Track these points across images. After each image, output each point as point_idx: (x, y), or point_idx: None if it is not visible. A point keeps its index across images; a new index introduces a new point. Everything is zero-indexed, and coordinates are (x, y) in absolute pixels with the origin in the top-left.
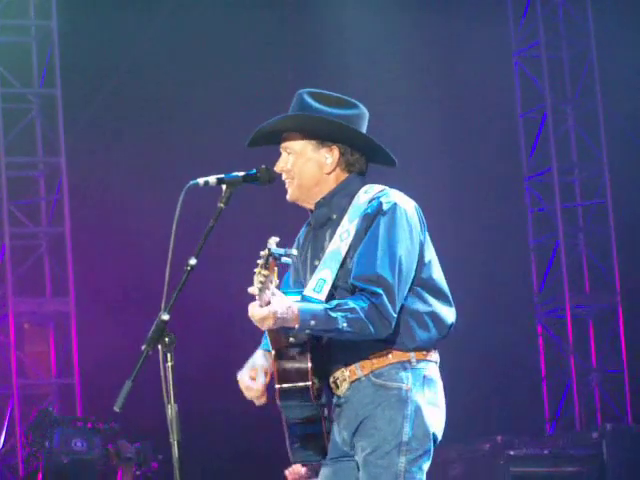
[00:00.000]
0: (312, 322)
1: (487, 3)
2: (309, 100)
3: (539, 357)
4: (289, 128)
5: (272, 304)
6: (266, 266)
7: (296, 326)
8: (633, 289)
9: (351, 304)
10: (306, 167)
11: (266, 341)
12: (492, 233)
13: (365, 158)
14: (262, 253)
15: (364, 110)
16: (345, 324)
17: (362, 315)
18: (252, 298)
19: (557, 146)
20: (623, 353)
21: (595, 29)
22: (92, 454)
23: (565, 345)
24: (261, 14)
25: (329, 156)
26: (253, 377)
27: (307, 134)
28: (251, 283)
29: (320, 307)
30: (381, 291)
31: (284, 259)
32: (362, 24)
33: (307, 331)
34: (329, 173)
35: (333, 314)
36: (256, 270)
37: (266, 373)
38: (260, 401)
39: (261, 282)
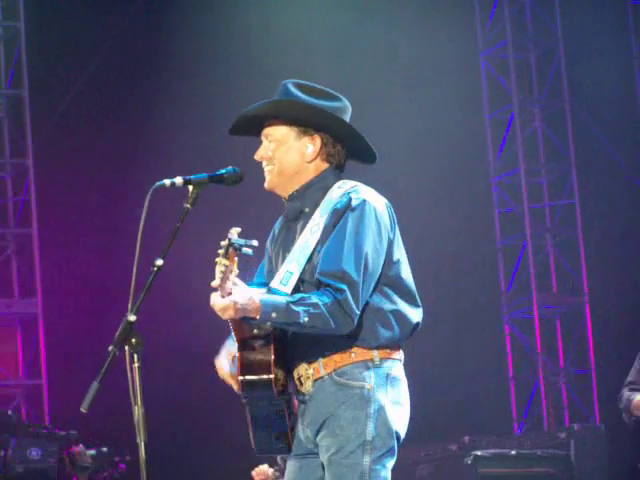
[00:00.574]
0: (273, 314)
1: (454, 3)
2: (293, 90)
3: (507, 357)
4: (273, 114)
5: (233, 294)
6: (226, 256)
7: (257, 317)
8: (600, 289)
9: (314, 299)
10: (287, 155)
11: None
12: (459, 234)
13: (345, 151)
14: (222, 243)
15: (347, 104)
16: (306, 318)
17: (324, 310)
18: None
19: (524, 146)
20: (591, 353)
21: (563, 30)
22: (47, 463)
23: (533, 345)
24: (234, 13)
25: (311, 145)
26: (232, 360)
27: (289, 121)
28: (213, 273)
29: (282, 300)
30: (345, 287)
31: (245, 249)
32: (328, 25)
33: (268, 323)
34: (309, 162)
35: (295, 308)
36: (217, 260)
37: None
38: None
39: (222, 272)
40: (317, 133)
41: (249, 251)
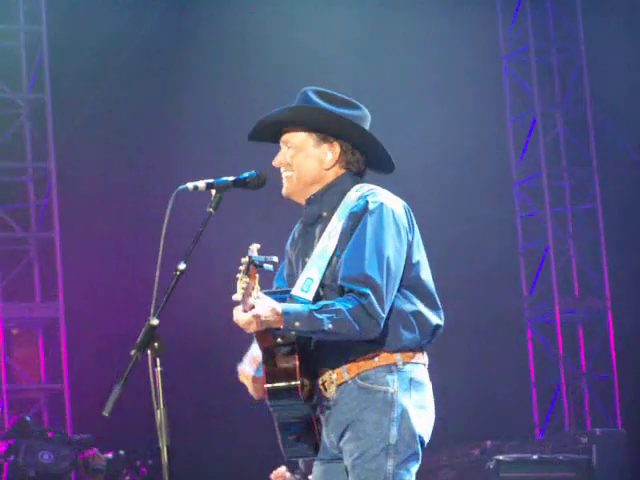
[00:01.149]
0: (296, 323)
1: (477, 8)
2: (313, 97)
3: (528, 362)
4: (292, 121)
5: (256, 308)
6: (247, 273)
7: (281, 327)
8: (622, 294)
9: (337, 305)
10: (306, 162)
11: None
12: (482, 238)
13: (364, 160)
14: (243, 260)
15: (367, 112)
16: (330, 325)
17: (349, 316)
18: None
19: (546, 151)
20: (612, 358)
21: (585, 34)
22: (59, 466)
23: (554, 350)
24: (251, 16)
25: (330, 152)
26: (256, 368)
27: (309, 127)
28: (233, 279)
29: (305, 308)
30: (369, 291)
31: (265, 266)
32: (350, 29)
33: (292, 332)
34: (328, 169)
35: (318, 316)
36: (238, 276)
37: None
38: (259, 395)
39: (243, 288)
40: (336, 140)
41: (270, 267)
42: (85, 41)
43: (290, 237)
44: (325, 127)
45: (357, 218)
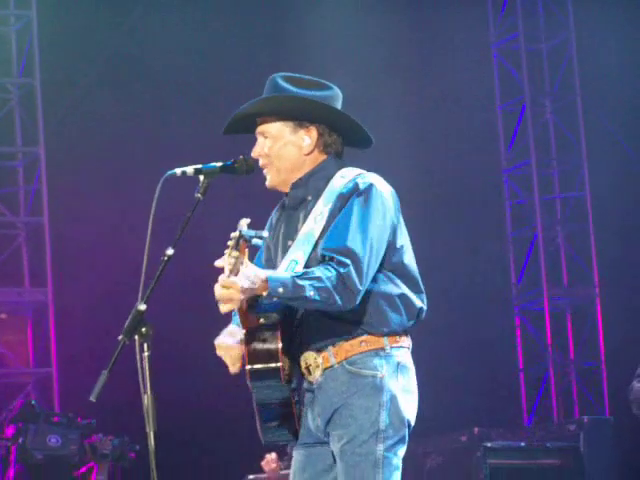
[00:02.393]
0: (280, 289)
1: None
2: (283, 83)
3: (517, 349)
4: (265, 111)
5: (238, 276)
6: (237, 247)
7: (264, 293)
8: (611, 282)
9: (317, 273)
10: (284, 150)
11: (235, 319)
12: (470, 225)
13: (342, 140)
14: (233, 235)
15: (338, 91)
16: (312, 292)
17: (328, 284)
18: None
19: (536, 138)
20: (601, 346)
21: (574, 22)
22: (67, 450)
23: (543, 337)
24: (244, 11)
25: (307, 137)
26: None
27: (284, 115)
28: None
29: (288, 275)
30: (349, 261)
31: (254, 240)
32: (339, 17)
33: (275, 299)
34: (308, 154)
35: (300, 282)
36: (226, 252)
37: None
38: (235, 367)
39: (230, 264)
40: (312, 125)
41: (259, 242)
42: (75, 26)
43: (268, 223)
44: (299, 113)
45: (345, 198)
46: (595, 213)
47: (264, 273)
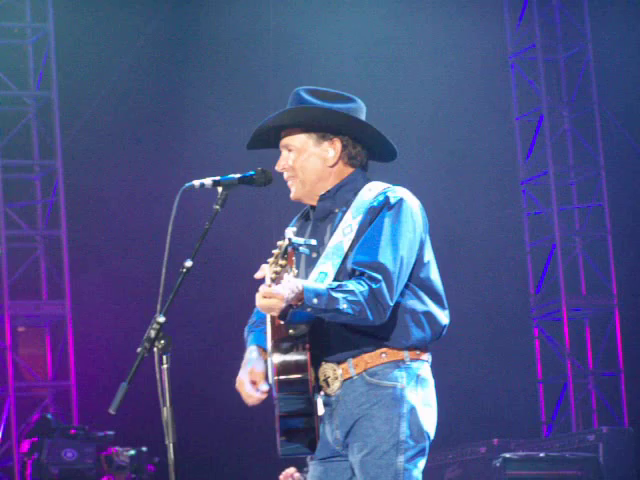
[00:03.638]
0: (315, 300)
1: (484, 6)
2: (306, 96)
3: (535, 359)
4: (289, 123)
5: (279, 285)
6: (284, 256)
7: (299, 303)
8: (629, 292)
9: (351, 286)
10: (308, 162)
11: (255, 336)
12: (489, 236)
13: (366, 152)
14: (280, 243)
15: (362, 104)
16: (345, 305)
17: (361, 298)
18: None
19: (553, 149)
20: (619, 355)
21: (592, 32)
22: (83, 464)
23: (561, 348)
24: (254, 18)
25: (331, 149)
26: (254, 382)
27: (308, 128)
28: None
29: (323, 286)
30: (380, 277)
31: (302, 249)
32: (356, 28)
33: (308, 309)
34: (332, 166)
35: (334, 294)
36: (270, 260)
37: (269, 386)
38: (253, 403)
39: (276, 272)
40: (336, 137)
41: (306, 250)
42: (92, 39)
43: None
44: (323, 125)
45: (376, 212)
46: (613, 223)
47: (301, 283)
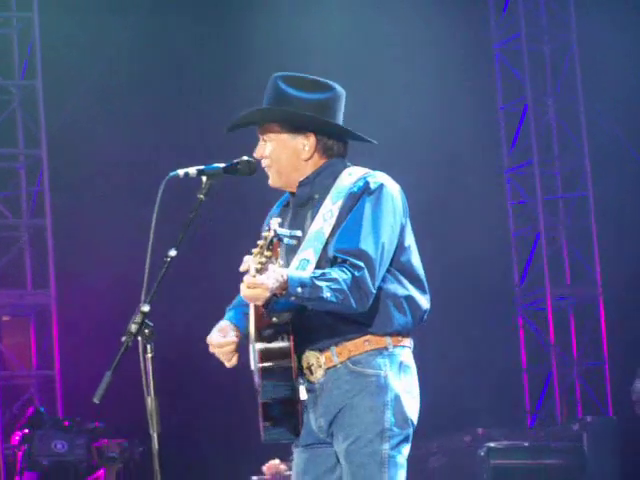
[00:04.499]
0: (299, 289)
1: None
2: (283, 86)
3: (520, 349)
4: (264, 120)
5: (264, 275)
6: (269, 247)
7: (283, 292)
8: (614, 281)
9: (334, 274)
10: (283, 154)
11: (231, 314)
12: (473, 225)
13: (343, 142)
14: (265, 234)
15: (340, 91)
16: (329, 293)
17: (344, 286)
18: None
19: (538, 139)
20: (604, 345)
21: (577, 22)
22: (73, 455)
23: (546, 337)
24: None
25: (306, 143)
26: (223, 336)
27: (282, 125)
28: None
29: (307, 275)
30: (362, 264)
31: (286, 240)
32: (339, 17)
33: (292, 298)
34: (307, 160)
35: (318, 282)
36: (255, 251)
37: (236, 334)
38: (231, 362)
39: (261, 263)
40: (311, 131)
41: (292, 242)
42: (77, 28)
43: (267, 218)
44: (296, 124)
45: (356, 197)
46: (597, 213)
47: (285, 272)
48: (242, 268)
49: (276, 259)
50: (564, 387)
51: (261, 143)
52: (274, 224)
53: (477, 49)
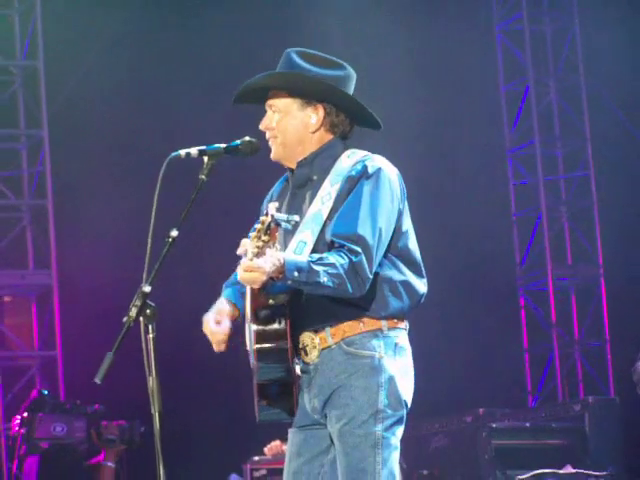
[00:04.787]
0: (295, 273)
1: None
2: (297, 59)
3: (521, 330)
4: (276, 86)
5: (261, 259)
6: (267, 232)
7: (280, 276)
8: (615, 261)
9: (331, 259)
10: (290, 125)
11: (229, 291)
12: (474, 206)
13: (349, 121)
14: (262, 219)
15: (352, 71)
16: (325, 278)
17: (341, 271)
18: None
19: (539, 119)
20: (605, 325)
21: (578, 2)
22: (73, 438)
23: (547, 317)
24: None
25: (314, 115)
26: (219, 321)
27: (293, 92)
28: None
29: (304, 259)
30: (360, 249)
31: (284, 224)
32: (341, 4)
33: (289, 282)
34: (313, 132)
35: (315, 267)
36: (252, 234)
37: (231, 319)
38: (220, 347)
39: (258, 247)
40: (320, 103)
41: (289, 226)
42: (78, 8)
43: (268, 197)
44: (308, 92)
45: (354, 181)
46: (599, 193)
47: (282, 256)
48: (239, 251)
49: (274, 244)
50: (566, 367)
51: (268, 114)
52: (272, 208)
53: (479, 30)
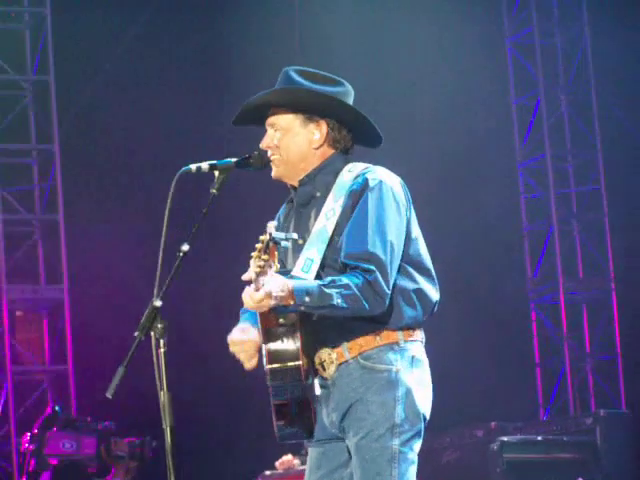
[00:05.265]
0: (306, 299)
1: None
2: (296, 77)
3: (533, 343)
4: (279, 101)
5: (267, 284)
6: (266, 251)
7: (291, 303)
8: (627, 275)
9: (345, 280)
10: (293, 142)
11: (246, 315)
12: (485, 219)
13: (351, 136)
14: (262, 238)
15: (350, 88)
16: (340, 300)
17: (356, 291)
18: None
19: (550, 132)
20: (617, 339)
21: (588, 14)
22: (82, 455)
23: (559, 331)
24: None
25: (317, 131)
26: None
27: (295, 108)
28: (245, 268)
29: (314, 283)
30: (374, 268)
31: (284, 243)
32: (354, 10)
33: (301, 308)
34: (316, 148)
35: (327, 290)
36: (253, 254)
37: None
38: (251, 362)
39: (259, 266)
40: (322, 119)
41: (287, 244)
42: (89, 22)
43: (275, 220)
44: (310, 106)
45: (357, 196)
46: (610, 206)
47: (291, 283)
48: (244, 277)
49: (274, 262)
50: (577, 381)
51: (269, 133)
52: (270, 227)
53: (490, 43)
